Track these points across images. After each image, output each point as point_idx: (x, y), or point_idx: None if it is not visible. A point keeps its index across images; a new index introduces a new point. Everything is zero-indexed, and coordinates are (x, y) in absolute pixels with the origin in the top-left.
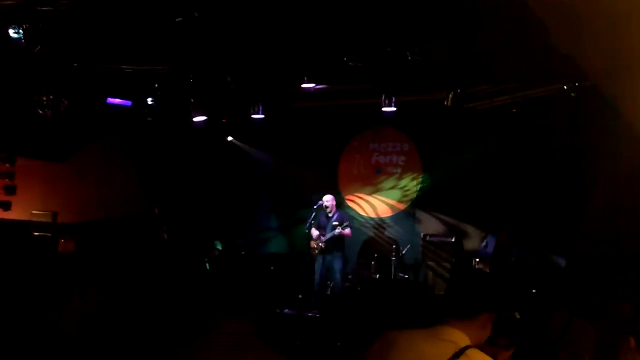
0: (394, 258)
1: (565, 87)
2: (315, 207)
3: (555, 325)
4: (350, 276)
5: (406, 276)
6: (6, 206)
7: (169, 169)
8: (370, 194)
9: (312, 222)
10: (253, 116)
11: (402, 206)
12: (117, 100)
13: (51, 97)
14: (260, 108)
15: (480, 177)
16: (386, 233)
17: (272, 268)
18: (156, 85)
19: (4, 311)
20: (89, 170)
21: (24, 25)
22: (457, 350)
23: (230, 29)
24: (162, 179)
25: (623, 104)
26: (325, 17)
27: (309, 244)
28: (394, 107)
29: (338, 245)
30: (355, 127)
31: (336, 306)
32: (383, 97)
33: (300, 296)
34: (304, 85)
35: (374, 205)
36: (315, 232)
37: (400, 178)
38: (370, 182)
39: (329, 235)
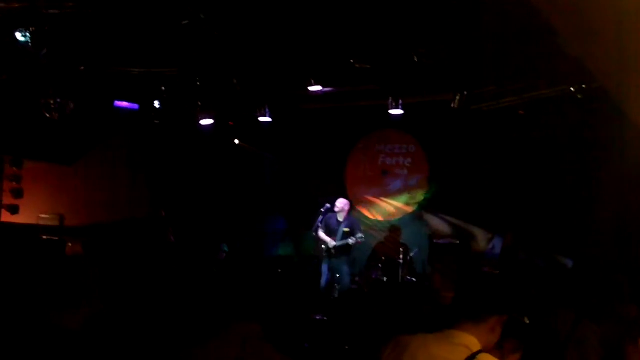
0: (401, 261)
1: (572, 88)
2: (322, 209)
3: (563, 327)
4: (357, 279)
5: (414, 279)
6: (14, 210)
7: (175, 172)
8: (377, 196)
9: (320, 224)
10: (260, 119)
11: (409, 209)
12: (124, 104)
13: (58, 100)
14: (267, 110)
15: (487, 179)
16: (394, 236)
17: (279, 271)
18: (163, 88)
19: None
20: (96, 173)
21: (31, 29)
22: (469, 355)
23: (237, 32)
24: (169, 182)
25: (630, 106)
26: (332, 20)
27: (315, 246)
28: (401, 109)
29: (345, 250)
30: (362, 129)
31: (343, 309)
32: (390, 100)
33: (307, 299)
34: (310, 88)
35: (381, 207)
36: (324, 236)
37: (407, 180)
38: (377, 184)
39: (341, 243)
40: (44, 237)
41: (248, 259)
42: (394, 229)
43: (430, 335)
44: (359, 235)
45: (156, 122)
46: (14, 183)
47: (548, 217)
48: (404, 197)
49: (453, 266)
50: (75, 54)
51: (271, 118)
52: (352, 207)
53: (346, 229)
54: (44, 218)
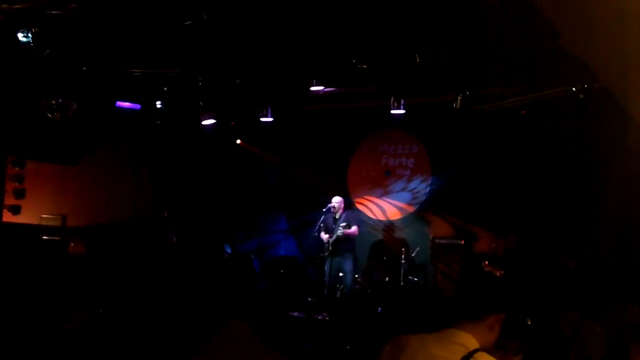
0: (403, 261)
1: (574, 89)
2: (324, 209)
3: (566, 328)
4: (359, 279)
5: (416, 279)
6: (16, 210)
7: (178, 172)
8: (379, 197)
9: (321, 225)
10: (262, 119)
11: (411, 209)
12: (126, 104)
13: (60, 100)
14: (270, 111)
15: (489, 180)
16: (396, 236)
17: (281, 271)
18: (165, 88)
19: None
20: (98, 173)
21: (33, 29)
22: (465, 354)
23: (239, 32)
24: (171, 182)
25: (633, 106)
26: (334, 20)
27: (317, 247)
28: (403, 109)
29: (347, 246)
30: (365, 129)
31: (346, 309)
32: (392, 100)
33: (310, 299)
34: (313, 88)
35: (384, 207)
36: (324, 236)
37: (409, 180)
38: (380, 184)
39: (334, 237)
40: (46, 237)
41: (250, 259)
42: (397, 228)
43: (429, 335)
44: (344, 224)
45: (158, 122)
46: (16, 183)
47: (551, 217)
48: (407, 197)
49: (454, 266)
50: (77, 55)
51: (273, 118)
52: (347, 204)
53: (343, 224)
54: (46, 218)
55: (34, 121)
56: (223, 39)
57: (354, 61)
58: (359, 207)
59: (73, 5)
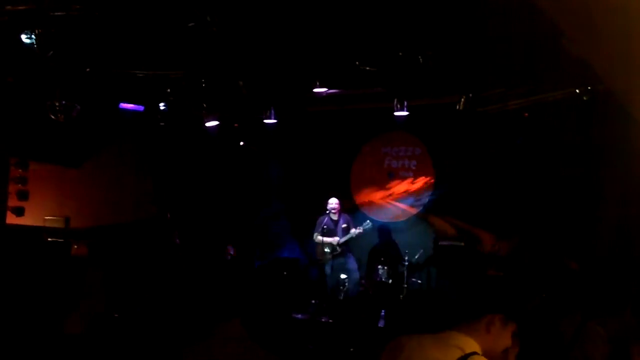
0: (406, 263)
1: (577, 91)
2: (327, 212)
3: (569, 329)
4: (362, 281)
5: (419, 281)
6: (19, 212)
7: (181, 174)
8: (382, 199)
9: (325, 227)
10: (265, 121)
11: (414, 211)
12: (129, 106)
13: (64, 102)
14: (273, 113)
15: (492, 181)
16: (398, 238)
17: (284, 273)
18: (169, 90)
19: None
20: (102, 175)
21: (37, 31)
22: (461, 356)
23: (243, 34)
24: (174, 184)
25: (636, 108)
26: (337, 22)
27: (317, 250)
28: (406, 111)
29: (347, 247)
30: (368, 131)
31: (349, 311)
32: (395, 102)
33: (313, 301)
34: (316, 90)
35: (386, 209)
36: (324, 238)
37: (412, 182)
38: (383, 186)
39: (346, 237)
40: (50, 239)
41: (253, 261)
42: (400, 230)
43: (428, 336)
44: (359, 228)
45: (162, 124)
46: (20, 185)
47: (554, 219)
48: (410, 199)
49: (457, 268)
50: (81, 56)
51: (277, 120)
52: (353, 206)
53: (344, 225)
54: (49, 220)
55: (38, 123)
56: (226, 40)
57: (357, 63)
58: (362, 209)
59: (76, 6)
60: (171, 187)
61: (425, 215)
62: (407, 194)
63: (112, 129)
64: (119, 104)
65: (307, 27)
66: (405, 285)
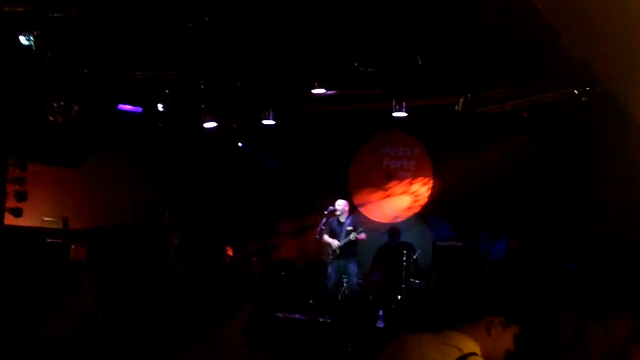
0: (405, 263)
1: (576, 91)
2: (326, 212)
3: (567, 329)
4: (361, 281)
5: (418, 282)
6: (17, 213)
7: (179, 175)
8: (381, 199)
9: (323, 228)
10: (264, 122)
11: (412, 211)
12: (128, 107)
13: (62, 103)
14: (271, 113)
15: (491, 182)
16: (397, 238)
17: (282, 274)
18: (167, 91)
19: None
20: (100, 176)
21: (35, 32)
22: (460, 356)
23: (241, 35)
24: (173, 185)
25: (635, 109)
26: (336, 23)
27: (320, 250)
28: (405, 112)
29: (352, 250)
30: (366, 131)
31: (347, 311)
32: (394, 102)
33: (311, 301)
34: (314, 91)
35: (385, 210)
36: (328, 239)
37: (411, 183)
38: (381, 186)
39: (344, 241)
40: (48, 240)
41: (251, 262)
42: (394, 230)
43: (428, 335)
44: (360, 229)
45: (160, 125)
46: (18, 186)
47: (552, 219)
48: (408, 200)
49: (456, 269)
50: (79, 57)
51: (275, 121)
52: (352, 207)
53: (349, 228)
54: (47, 221)
55: (36, 124)
56: (225, 41)
57: (356, 64)
58: (361, 209)
59: (75, 7)
60: (170, 188)
61: (424, 216)
62: (406, 194)
63: (110, 130)
64: (117, 105)
65: (306, 28)
66: (404, 286)
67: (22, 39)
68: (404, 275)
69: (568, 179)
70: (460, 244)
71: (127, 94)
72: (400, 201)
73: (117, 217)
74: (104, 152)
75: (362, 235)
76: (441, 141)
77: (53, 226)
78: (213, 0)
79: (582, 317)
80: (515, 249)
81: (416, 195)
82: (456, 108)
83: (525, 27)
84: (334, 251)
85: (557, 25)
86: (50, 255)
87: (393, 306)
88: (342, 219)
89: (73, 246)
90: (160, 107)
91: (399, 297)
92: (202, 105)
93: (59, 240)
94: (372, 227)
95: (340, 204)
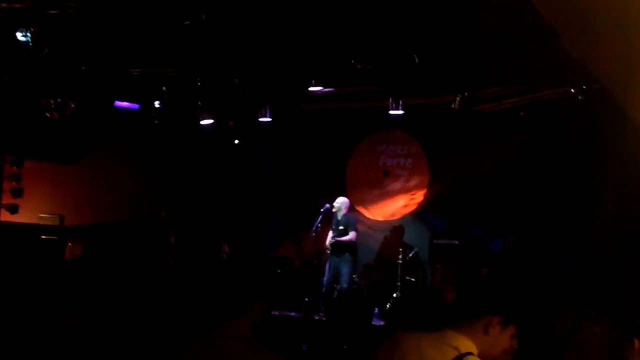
0: (401, 261)
1: (573, 90)
2: (322, 209)
3: (564, 328)
4: (357, 279)
5: (413, 279)
6: (13, 209)
7: (176, 172)
8: (377, 197)
9: (319, 225)
10: (261, 119)
11: (409, 209)
12: (124, 104)
13: (58, 100)
14: (268, 111)
15: (487, 180)
16: (394, 236)
17: (278, 271)
18: (164, 88)
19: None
20: (96, 173)
21: (32, 29)
22: (456, 356)
23: (238, 32)
24: (169, 182)
25: (632, 107)
26: (333, 21)
27: (316, 246)
28: (402, 110)
29: (347, 248)
30: (363, 129)
31: (343, 309)
32: (391, 100)
33: (307, 299)
34: (311, 89)
35: (382, 208)
36: (329, 235)
37: (407, 180)
38: (378, 184)
39: (330, 241)
40: (44, 236)
41: (248, 259)
42: (395, 229)
43: (425, 334)
44: (351, 229)
45: (157, 122)
46: (14, 182)
47: (550, 218)
48: (405, 198)
49: (452, 267)
50: (76, 54)
51: (272, 118)
52: (351, 205)
53: (341, 227)
54: (44, 218)
55: (33, 120)
56: (222, 38)
57: (352, 61)
58: (357, 207)
59: (72, 4)
60: (166, 185)
61: (420, 214)
62: (403, 192)
63: (107, 127)
64: (114, 102)
65: (303, 26)
66: (399, 284)
67: (19, 36)
68: (399, 273)
69: (565, 177)
70: (456, 241)
71: (124, 91)
72: (397, 199)
73: (113, 214)
74: (101, 149)
75: (346, 237)
76: (438, 139)
77: (49, 223)
78: None
79: (579, 315)
80: (511, 248)
81: (413, 193)
82: (453, 106)
83: (522, 26)
84: (327, 247)
85: (555, 24)
86: (45, 252)
87: (388, 304)
88: (339, 217)
89: (69, 243)
90: (157, 104)
91: (395, 294)
92: (199, 103)
93: (55, 237)
94: (369, 225)
95: (339, 201)
